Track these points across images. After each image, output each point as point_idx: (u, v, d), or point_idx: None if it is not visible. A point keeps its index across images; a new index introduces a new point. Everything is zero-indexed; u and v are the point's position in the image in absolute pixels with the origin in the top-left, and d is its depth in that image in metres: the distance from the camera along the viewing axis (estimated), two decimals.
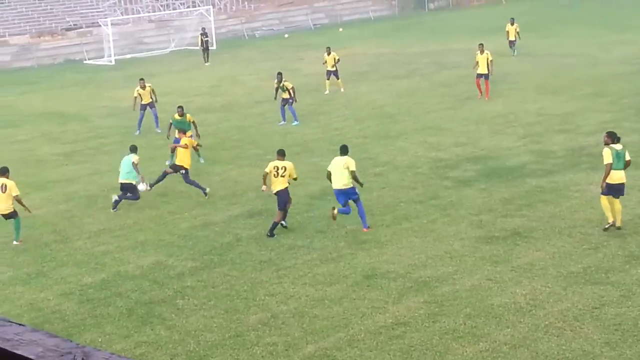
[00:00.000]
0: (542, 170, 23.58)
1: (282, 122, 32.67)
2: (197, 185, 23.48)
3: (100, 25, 61.67)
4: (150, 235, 20.55)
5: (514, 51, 45.89)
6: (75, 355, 3.25)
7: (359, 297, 15.93)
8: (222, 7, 75.36)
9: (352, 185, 19.71)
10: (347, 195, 19.76)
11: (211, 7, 68.08)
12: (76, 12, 69.63)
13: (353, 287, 16.40)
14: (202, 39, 54.23)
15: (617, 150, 18.32)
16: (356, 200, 19.85)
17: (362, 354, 13.70)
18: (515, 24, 46.15)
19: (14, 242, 20.44)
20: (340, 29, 69.30)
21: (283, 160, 20.22)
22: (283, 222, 20.11)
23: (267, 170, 20.17)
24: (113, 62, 57.81)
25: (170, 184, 25.01)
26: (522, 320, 14.47)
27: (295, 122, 32.33)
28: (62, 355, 3.27)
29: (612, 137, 18.56)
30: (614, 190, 18.28)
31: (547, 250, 17.54)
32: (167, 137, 28.03)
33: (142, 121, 32.86)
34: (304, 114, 34.21)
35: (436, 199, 21.73)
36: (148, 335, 14.92)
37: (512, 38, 46.07)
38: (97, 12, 69.18)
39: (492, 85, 35.47)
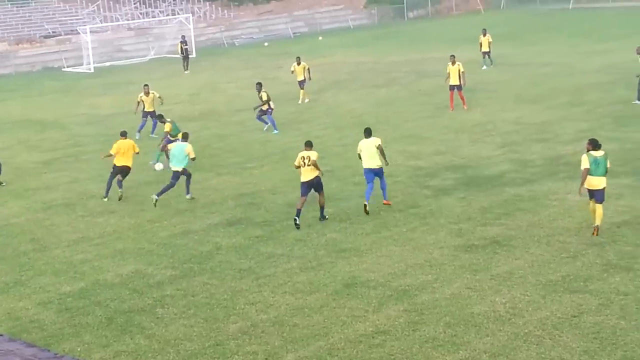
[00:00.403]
0: (521, 179, 23.69)
1: (266, 128, 32.77)
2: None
3: (79, 33, 61.50)
4: (129, 243, 20.47)
5: (491, 61, 45.85)
6: None
7: (339, 305, 15.93)
8: (201, 15, 75.36)
9: (382, 166, 21.90)
10: (375, 174, 21.92)
11: (191, 15, 68.05)
12: (55, 19, 69.42)
13: (333, 296, 16.40)
14: (181, 47, 54.27)
15: (595, 157, 18.69)
16: (381, 177, 22.06)
17: None
18: (487, 35, 46.13)
19: None
20: (320, 38, 69.45)
21: (310, 150, 21.30)
22: (323, 212, 21.39)
23: (296, 163, 21.42)
24: (92, 70, 57.66)
25: (149, 193, 24.92)
26: (501, 328, 14.51)
27: (275, 131, 32.37)
28: None
29: (593, 144, 18.91)
30: (596, 195, 18.76)
31: (526, 259, 17.61)
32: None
33: (143, 127, 32.83)
34: (284, 122, 34.23)
35: (416, 207, 21.78)
36: (127, 345, 14.85)
37: (485, 49, 46.03)
38: (76, 19, 69.02)
39: (471, 94, 35.62)
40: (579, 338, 13.92)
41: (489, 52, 45.90)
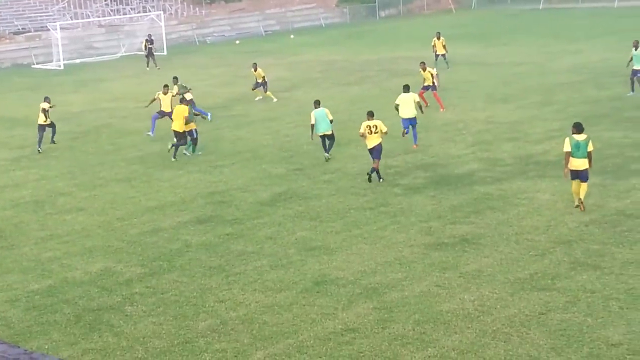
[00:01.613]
0: (491, 178, 23.80)
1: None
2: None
3: (49, 30, 61.03)
4: (98, 241, 20.36)
5: (447, 64, 45.60)
6: None
7: (309, 303, 15.93)
8: (173, 12, 75.08)
9: (416, 116, 27.79)
10: (410, 122, 27.65)
11: (162, 12, 67.78)
12: (24, 16, 68.88)
13: (302, 294, 16.40)
14: (146, 45, 54.43)
15: (577, 140, 20.03)
16: (414, 126, 27.78)
17: None
18: (441, 38, 46.05)
19: None
20: (292, 36, 69.44)
21: (373, 119, 24.16)
22: (380, 174, 24.14)
23: (361, 131, 24.13)
24: (62, 67, 57.30)
25: (119, 190, 24.85)
26: (470, 326, 14.57)
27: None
28: None
29: (577, 128, 20.26)
30: (579, 175, 20.11)
31: (494, 257, 17.70)
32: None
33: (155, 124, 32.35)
34: (255, 120, 34.20)
35: (386, 205, 21.83)
36: (95, 342, 14.77)
37: (440, 52, 45.82)
38: (46, 16, 68.52)
39: (442, 93, 35.73)
40: (546, 335, 14.01)
41: (445, 54, 45.78)
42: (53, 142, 31.56)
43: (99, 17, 69.42)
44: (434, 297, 15.84)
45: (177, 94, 33.58)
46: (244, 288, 16.85)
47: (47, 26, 62.70)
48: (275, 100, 38.66)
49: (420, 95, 34.22)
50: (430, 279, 16.76)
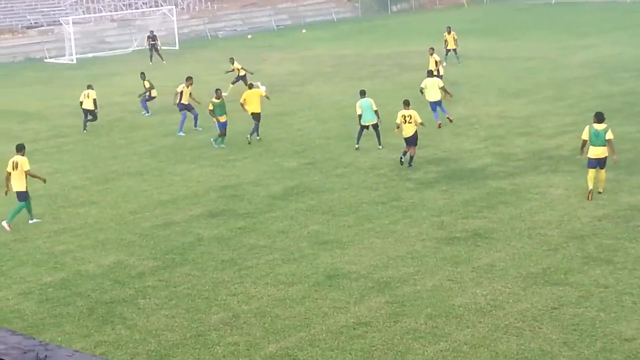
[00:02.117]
0: (503, 173, 23.76)
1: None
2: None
3: (61, 24, 61.13)
4: (111, 234, 20.42)
5: (457, 58, 45.52)
6: (38, 353, 3.23)
7: (321, 297, 15.95)
8: (185, 7, 75.12)
9: (442, 99, 30.20)
10: (437, 104, 29.92)
11: (174, 7, 67.80)
12: (37, 10, 69.05)
13: (315, 287, 16.42)
14: (148, 41, 54.72)
15: (596, 130, 20.67)
16: (440, 105, 29.94)
17: (323, 353, 13.72)
18: (452, 32, 45.90)
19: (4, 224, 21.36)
20: (304, 31, 69.37)
21: (408, 109, 25.07)
22: (410, 161, 25.01)
23: (397, 121, 25.12)
24: (74, 61, 57.39)
25: (132, 184, 24.91)
26: (482, 320, 14.57)
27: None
28: (25, 353, 3.24)
29: (597, 117, 20.94)
30: (597, 163, 20.70)
31: (507, 252, 17.68)
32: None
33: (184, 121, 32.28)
34: (267, 115, 34.17)
35: (398, 200, 21.82)
36: (108, 335, 14.83)
37: (452, 47, 45.68)
38: (59, 10, 68.68)
39: (454, 88, 35.74)
40: (558, 330, 14.00)
41: (456, 49, 45.65)
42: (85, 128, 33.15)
43: (111, 11, 69.51)
44: (446, 292, 15.84)
45: (147, 89, 35.29)
46: (256, 282, 16.88)
47: (59, 20, 62.79)
48: (225, 94, 38.54)
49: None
50: (443, 273, 16.75)
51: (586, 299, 15.12)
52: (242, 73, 39.70)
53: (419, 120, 24.99)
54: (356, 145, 27.29)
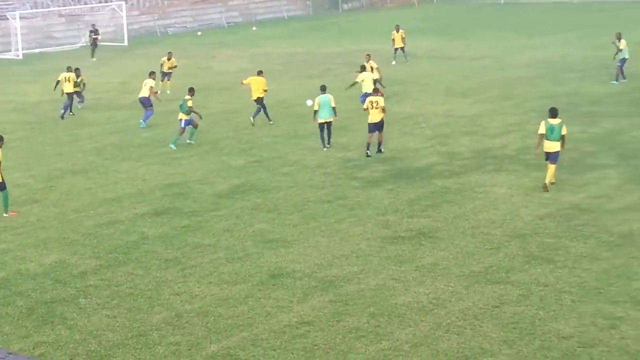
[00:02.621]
0: (449, 172, 23.92)
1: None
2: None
3: (8, 19, 60.25)
4: (53, 233, 20.17)
5: (405, 57, 45.83)
6: None
7: (264, 296, 15.92)
8: (134, 2, 74.46)
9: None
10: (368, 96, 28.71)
11: (123, 2, 67.15)
12: None
13: (258, 286, 16.38)
14: (90, 36, 54.32)
15: (551, 124, 21.43)
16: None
17: (265, 353, 13.70)
18: (400, 31, 46.18)
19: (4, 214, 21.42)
20: (254, 28, 69.17)
21: (376, 95, 26.33)
22: (379, 146, 26.17)
23: (365, 106, 26.36)
24: (20, 57, 56.64)
25: (76, 182, 24.64)
26: (424, 319, 14.65)
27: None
28: None
29: (552, 112, 21.65)
30: (549, 157, 21.51)
31: (450, 250, 17.80)
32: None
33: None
34: (215, 112, 34.05)
35: (344, 198, 21.86)
36: (48, 335, 14.64)
37: (399, 45, 45.97)
38: (5, 4, 67.62)
39: (402, 87, 36.02)
40: (499, 328, 14.12)
41: (403, 47, 45.95)
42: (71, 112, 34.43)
43: (59, 6, 68.67)
44: (390, 290, 15.90)
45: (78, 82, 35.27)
46: (199, 281, 16.80)
47: (6, 15, 61.90)
48: (169, 92, 38.44)
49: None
50: (386, 272, 16.81)
51: (526, 298, 15.27)
52: (167, 70, 39.39)
53: (382, 105, 25.82)
54: (323, 149, 26.97)
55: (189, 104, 28.57)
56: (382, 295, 15.69)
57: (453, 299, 15.38)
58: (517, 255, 17.35)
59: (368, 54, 35.50)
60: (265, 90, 31.71)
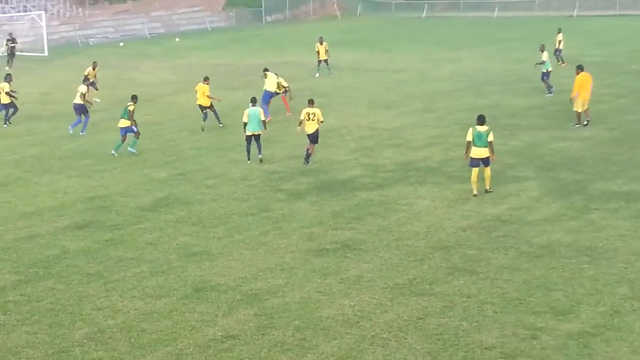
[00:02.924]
0: (372, 184, 24.08)
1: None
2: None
3: None
4: None
5: (328, 69, 46.20)
6: None
7: (189, 310, 15.80)
8: (55, 12, 73.48)
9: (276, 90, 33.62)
10: (272, 95, 33.01)
11: (44, 12, 66.21)
12: None
13: (183, 300, 16.25)
14: (7, 45, 53.45)
15: (479, 131, 22.18)
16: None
17: None
18: (324, 43, 46.57)
19: None
20: (177, 39, 68.83)
21: (313, 107, 26.42)
22: (309, 159, 26.45)
23: (301, 117, 26.36)
24: None
25: None
26: (349, 331, 14.70)
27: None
28: None
29: (479, 120, 22.40)
30: (480, 162, 22.26)
31: (375, 263, 17.90)
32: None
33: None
34: (138, 124, 33.65)
35: (268, 211, 21.83)
36: None
37: (323, 57, 46.36)
38: None
39: (326, 99, 36.11)
40: (423, 339, 14.24)
41: (327, 59, 46.32)
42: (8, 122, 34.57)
43: None
44: (315, 303, 15.91)
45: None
46: (122, 295, 16.59)
47: None
48: (98, 100, 38.27)
49: (283, 99, 34.75)
50: (311, 285, 16.83)
51: (450, 309, 15.44)
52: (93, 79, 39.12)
53: (322, 119, 26.37)
54: (247, 161, 26.79)
55: (130, 108, 28.56)
56: (307, 308, 15.70)
57: (378, 311, 15.46)
58: (440, 267, 17.53)
59: (268, 69, 35.42)
60: (209, 97, 32.64)
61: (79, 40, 68.80)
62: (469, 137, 22.29)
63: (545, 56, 37.75)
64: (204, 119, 32.54)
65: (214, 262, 18.26)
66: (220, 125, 32.67)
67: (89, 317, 15.60)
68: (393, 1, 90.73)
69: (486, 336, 14.29)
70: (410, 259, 18.06)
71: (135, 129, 28.72)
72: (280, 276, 17.32)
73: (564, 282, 16.41)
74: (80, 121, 32.55)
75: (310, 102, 26.75)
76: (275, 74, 34.80)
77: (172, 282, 17.21)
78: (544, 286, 16.30)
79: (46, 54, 60.69)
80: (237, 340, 14.47)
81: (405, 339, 14.33)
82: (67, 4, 77.91)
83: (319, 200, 22.60)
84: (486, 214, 20.87)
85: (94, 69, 39.42)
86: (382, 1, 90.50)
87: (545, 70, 37.47)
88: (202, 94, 32.77)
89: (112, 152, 28.42)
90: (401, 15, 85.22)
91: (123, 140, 28.55)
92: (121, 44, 67.02)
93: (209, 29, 77.45)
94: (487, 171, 22.46)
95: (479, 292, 16.10)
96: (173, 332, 14.87)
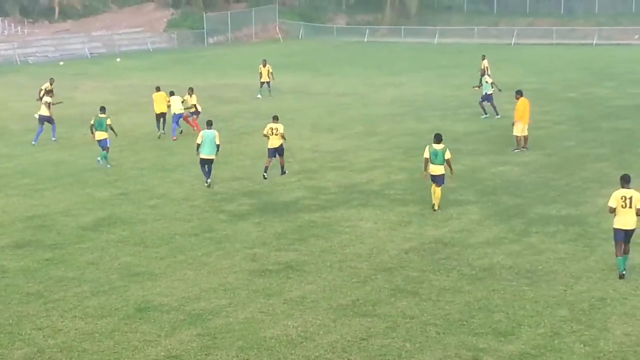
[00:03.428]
0: (315, 206, 24.15)
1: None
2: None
3: None
4: None
5: (269, 91, 46.54)
6: None
7: (131, 330, 15.65)
8: None
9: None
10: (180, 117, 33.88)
11: None
12: None
13: (125, 320, 16.10)
14: None
15: (435, 149, 22.95)
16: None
17: None
18: (267, 65, 46.89)
19: None
20: (118, 59, 68.39)
21: (277, 123, 27.38)
22: (282, 169, 27.76)
23: (265, 132, 27.33)
24: None
25: None
26: (293, 352, 14.69)
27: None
28: None
29: (436, 138, 23.19)
30: (435, 180, 23.07)
31: (318, 284, 17.93)
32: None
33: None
34: (79, 144, 33.43)
35: (211, 232, 21.76)
36: None
37: (265, 79, 46.67)
38: None
39: (268, 121, 36.04)
40: None
41: (269, 82, 46.60)
42: None
43: None
44: (258, 324, 15.89)
45: None
46: (63, 315, 16.38)
47: None
48: (36, 116, 37.90)
49: (185, 118, 34.96)
50: (255, 305, 16.80)
51: (393, 330, 15.53)
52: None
53: (282, 132, 27.20)
54: (207, 182, 26.34)
55: (108, 122, 29.60)
56: (251, 329, 15.67)
57: (321, 332, 15.49)
58: (383, 288, 17.63)
59: (190, 87, 36.26)
60: (169, 105, 34.67)
61: (17, 59, 67.99)
62: (426, 154, 23.09)
63: (489, 79, 38.49)
64: (163, 127, 34.66)
65: (157, 282, 18.14)
66: (163, 133, 34.71)
67: (28, 337, 15.37)
68: (335, 25, 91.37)
69: (429, 357, 14.39)
70: (353, 280, 18.13)
71: (108, 143, 29.54)
72: (224, 296, 17.26)
73: (505, 304, 16.62)
74: (42, 131, 33.81)
75: (275, 118, 27.57)
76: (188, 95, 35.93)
77: (113, 302, 17.04)
78: (485, 308, 16.48)
79: None
80: None
81: (349, 359, 14.37)
82: (6, 22, 77.03)
83: (262, 222, 22.60)
84: (428, 237, 21.06)
85: (51, 84, 38.83)
86: (324, 25, 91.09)
87: (485, 93, 38.12)
88: (162, 102, 34.63)
89: (107, 165, 29.39)
90: (343, 39, 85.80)
91: (107, 150, 29.48)
92: (61, 63, 66.43)
93: (151, 50, 77.13)
94: (438, 192, 23.13)
95: (422, 314, 16.23)
96: (115, 352, 14.72)
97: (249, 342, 15.05)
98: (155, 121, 35.31)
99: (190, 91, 35.35)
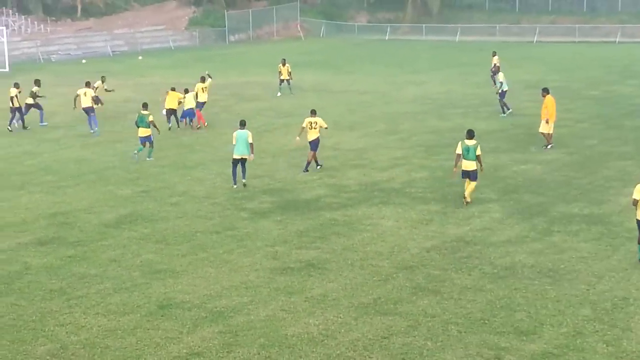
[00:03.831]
0: (337, 204, 24.15)
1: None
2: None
3: None
4: None
5: (290, 89, 46.66)
6: None
7: (153, 327, 15.71)
8: (16, 28, 73.04)
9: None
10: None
11: (4, 28, 65.77)
12: None
13: (147, 317, 16.16)
14: None
15: (467, 145, 23.26)
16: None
17: None
18: (287, 65, 47.04)
19: None
20: (140, 57, 68.63)
21: (315, 116, 27.79)
22: (318, 162, 28.36)
23: (303, 125, 27.86)
24: None
25: None
26: (314, 350, 14.70)
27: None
28: None
29: (469, 134, 23.54)
30: (469, 175, 23.40)
31: (339, 282, 17.94)
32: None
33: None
34: (101, 141, 33.59)
35: (232, 229, 21.80)
36: None
37: (285, 77, 46.79)
38: None
39: (289, 119, 36.15)
40: (388, 359, 14.29)
41: (289, 80, 46.74)
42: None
43: None
44: (280, 321, 15.91)
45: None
46: (86, 312, 16.46)
47: None
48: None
49: (198, 114, 35.64)
50: (276, 303, 16.82)
51: (414, 329, 15.51)
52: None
53: (324, 126, 28.05)
54: (234, 186, 26.10)
55: (150, 118, 29.89)
56: (272, 326, 15.69)
57: (343, 330, 15.49)
58: (404, 286, 17.61)
59: (173, 87, 37.59)
60: (180, 102, 36.27)
61: (40, 57, 68.38)
62: (458, 150, 23.40)
63: (501, 77, 38.68)
64: (178, 123, 36.29)
65: (178, 279, 18.19)
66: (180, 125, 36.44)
67: (51, 334, 15.46)
68: (356, 23, 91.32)
69: (450, 356, 14.37)
70: (374, 278, 18.12)
71: (152, 139, 30.15)
72: (245, 294, 17.29)
73: (527, 303, 16.56)
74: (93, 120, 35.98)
75: (312, 112, 28.05)
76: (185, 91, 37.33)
77: (136, 299, 17.11)
78: (507, 307, 16.43)
79: (7, 69, 60.20)
80: (202, 358, 14.42)
81: (370, 357, 14.37)
82: (29, 20, 77.50)
83: (283, 220, 22.62)
84: (450, 235, 21.01)
85: (39, 85, 38.92)
86: (345, 23, 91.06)
87: (501, 90, 38.20)
88: (173, 99, 36.03)
89: (135, 154, 30.16)
90: (364, 37, 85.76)
91: (144, 146, 29.95)
92: (84, 61, 66.74)
93: (172, 48, 77.36)
94: (472, 185, 23.51)
95: (443, 312, 16.20)
96: (137, 349, 14.78)
97: (270, 340, 15.08)
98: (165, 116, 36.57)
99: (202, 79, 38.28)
